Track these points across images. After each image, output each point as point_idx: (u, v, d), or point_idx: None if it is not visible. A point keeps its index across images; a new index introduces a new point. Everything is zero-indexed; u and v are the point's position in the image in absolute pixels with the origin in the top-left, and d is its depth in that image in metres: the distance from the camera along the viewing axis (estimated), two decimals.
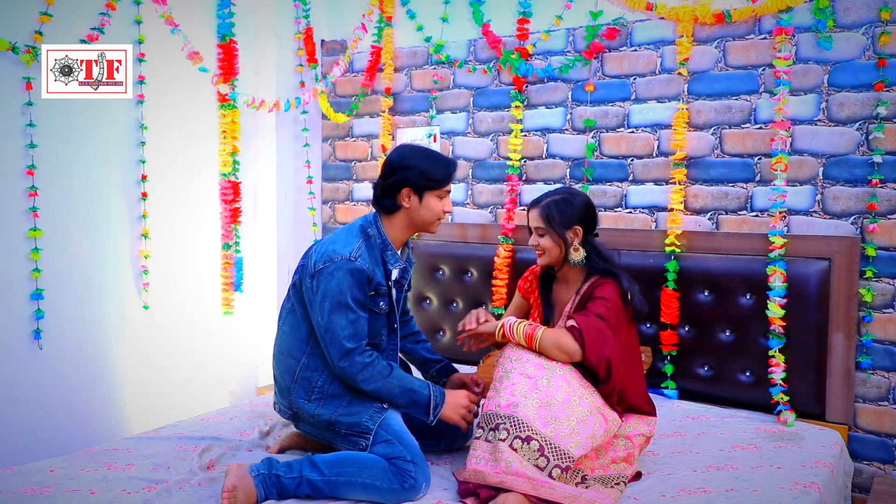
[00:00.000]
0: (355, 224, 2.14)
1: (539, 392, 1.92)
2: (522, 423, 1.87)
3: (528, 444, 1.85)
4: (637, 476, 2.05)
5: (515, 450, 1.85)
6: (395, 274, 2.14)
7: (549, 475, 1.84)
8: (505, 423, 1.88)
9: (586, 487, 1.89)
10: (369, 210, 3.63)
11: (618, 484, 1.94)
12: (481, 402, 2.11)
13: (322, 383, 2.05)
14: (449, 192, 2.15)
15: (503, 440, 1.86)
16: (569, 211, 2.13)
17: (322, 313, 1.99)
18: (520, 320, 2.10)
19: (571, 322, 2.04)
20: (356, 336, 1.99)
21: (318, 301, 2.00)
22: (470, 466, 1.90)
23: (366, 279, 2.01)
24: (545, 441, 1.86)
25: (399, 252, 2.15)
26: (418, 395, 2.03)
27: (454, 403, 2.06)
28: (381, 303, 2.09)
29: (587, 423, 1.92)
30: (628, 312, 2.11)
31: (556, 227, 2.12)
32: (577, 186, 3.05)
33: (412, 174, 2.07)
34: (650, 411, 2.13)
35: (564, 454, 1.86)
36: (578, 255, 2.12)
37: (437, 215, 2.13)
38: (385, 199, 2.12)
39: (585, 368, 2.01)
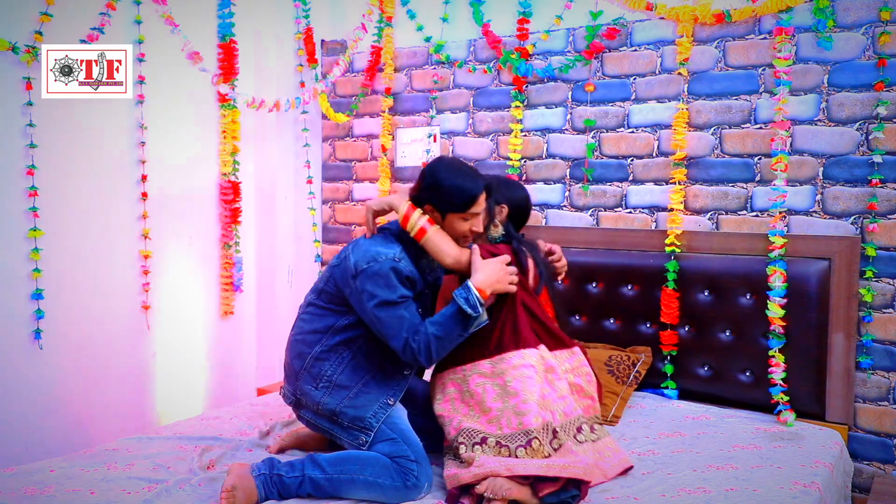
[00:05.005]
0: (390, 230, 2.12)
1: (471, 406, 2.06)
2: (472, 431, 1.99)
3: (486, 443, 1.96)
4: (626, 470, 2.07)
5: (476, 453, 1.95)
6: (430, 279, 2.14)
7: (515, 456, 1.93)
8: (459, 438, 1.98)
9: (560, 446, 1.97)
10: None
11: (596, 440, 2.08)
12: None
13: (331, 373, 2.06)
14: (476, 214, 2.07)
15: (464, 452, 1.96)
16: (505, 191, 2.30)
17: (372, 312, 1.98)
18: (427, 216, 2.06)
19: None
20: (413, 326, 1.98)
21: (366, 301, 1.99)
22: (445, 473, 1.97)
23: (407, 280, 2.02)
24: (498, 438, 1.96)
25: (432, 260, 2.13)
26: (455, 314, 1.98)
27: (489, 278, 2.00)
28: (421, 307, 2.10)
29: (517, 395, 2.01)
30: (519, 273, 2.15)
31: (489, 198, 2.14)
32: (578, 186, 3.06)
33: (434, 193, 2.04)
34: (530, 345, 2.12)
35: (519, 434, 1.95)
36: (496, 231, 2.25)
37: (461, 234, 2.08)
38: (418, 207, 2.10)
39: (481, 347, 2.09)
